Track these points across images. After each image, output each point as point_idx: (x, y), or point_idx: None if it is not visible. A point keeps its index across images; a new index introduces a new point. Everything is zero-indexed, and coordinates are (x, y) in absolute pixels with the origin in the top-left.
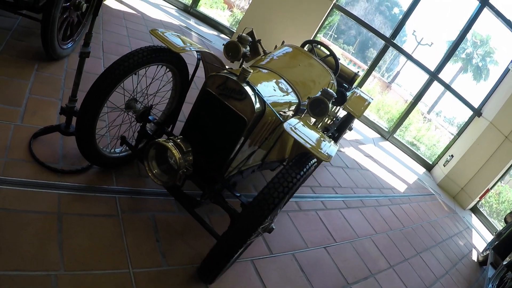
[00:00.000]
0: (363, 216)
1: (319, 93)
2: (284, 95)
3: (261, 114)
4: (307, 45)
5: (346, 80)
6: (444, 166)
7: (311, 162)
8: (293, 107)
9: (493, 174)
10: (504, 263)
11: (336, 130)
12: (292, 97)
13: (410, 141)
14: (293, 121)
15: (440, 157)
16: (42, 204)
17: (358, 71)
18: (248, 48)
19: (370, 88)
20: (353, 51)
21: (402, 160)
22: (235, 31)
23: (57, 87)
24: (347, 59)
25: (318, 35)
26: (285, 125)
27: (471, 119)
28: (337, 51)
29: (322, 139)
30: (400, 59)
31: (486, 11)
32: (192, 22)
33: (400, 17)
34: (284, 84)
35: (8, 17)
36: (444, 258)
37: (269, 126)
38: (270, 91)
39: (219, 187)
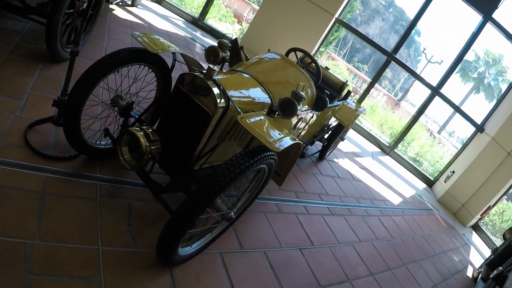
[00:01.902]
0: (347, 224)
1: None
2: (255, 96)
3: (226, 109)
4: (293, 53)
5: (333, 88)
6: (445, 182)
7: (265, 153)
8: (266, 108)
9: (495, 191)
10: (491, 276)
11: (326, 139)
12: (265, 99)
13: (412, 157)
14: (251, 114)
15: (441, 173)
16: (28, 183)
17: (347, 81)
18: (228, 53)
19: (373, 103)
20: (367, 70)
21: (402, 175)
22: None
23: (57, 85)
24: (352, 73)
25: (321, 49)
26: (239, 116)
27: (473, 135)
28: (343, 65)
29: (278, 132)
30: (412, 78)
31: (489, 26)
32: (198, 34)
33: (402, 32)
34: (258, 87)
35: (20, 21)
36: (434, 271)
37: (233, 120)
38: (241, 91)
39: (184, 176)
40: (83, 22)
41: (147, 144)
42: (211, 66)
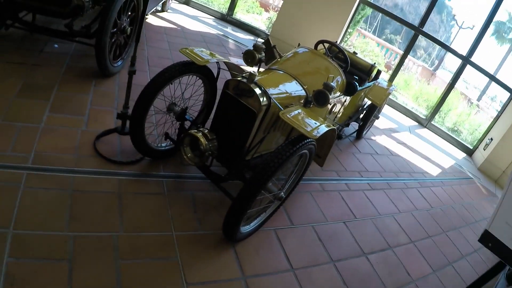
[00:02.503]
0: (387, 197)
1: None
2: (292, 91)
3: (268, 107)
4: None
5: (363, 71)
6: (484, 149)
7: (304, 141)
8: (302, 100)
9: None
10: None
11: (361, 119)
12: (300, 92)
13: (450, 127)
14: (290, 109)
15: (480, 140)
16: (106, 186)
17: (375, 63)
18: (263, 54)
19: (407, 77)
20: (400, 41)
21: (440, 146)
22: (269, 34)
23: (112, 99)
24: (384, 47)
25: (349, 30)
26: (281, 112)
27: (509, 100)
28: (373, 40)
29: (314, 122)
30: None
31: None
32: (229, 29)
33: (426, 5)
34: (293, 81)
35: (65, 44)
36: (475, 238)
37: (275, 115)
38: (279, 88)
39: (239, 166)
40: (128, 37)
41: (207, 142)
42: (251, 71)
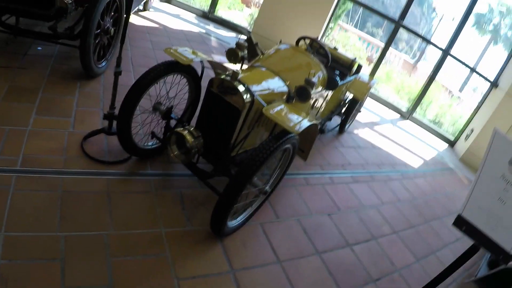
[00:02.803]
0: (370, 189)
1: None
2: (274, 87)
3: (252, 103)
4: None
5: (344, 66)
6: (466, 140)
7: (287, 136)
8: (284, 96)
9: None
10: None
11: (344, 113)
12: (282, 88)
13: (432, 119)
14: (273, 105)
15: (462, 131)
16: (95, 186)
17: (355, 58)
18: (245, 51)
19: (389, 70)
20: (382, 33)
21: (422, 138)
22: (251, 31)
23: (97, 99)
24: (366, 41)
25: (330, 24)
26: (264, 109)
27: (488, 91)
28: (355, 34)
29: (297, 117)
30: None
31: None
32: (211, 27)
33: None
34: (276, 78)
35: (48, 46)
36: None
37: (259, 112)
38: (262, 85)
39: (225, 163)
40: (112, 38)
41: (193, 140)
42: (234, 69)
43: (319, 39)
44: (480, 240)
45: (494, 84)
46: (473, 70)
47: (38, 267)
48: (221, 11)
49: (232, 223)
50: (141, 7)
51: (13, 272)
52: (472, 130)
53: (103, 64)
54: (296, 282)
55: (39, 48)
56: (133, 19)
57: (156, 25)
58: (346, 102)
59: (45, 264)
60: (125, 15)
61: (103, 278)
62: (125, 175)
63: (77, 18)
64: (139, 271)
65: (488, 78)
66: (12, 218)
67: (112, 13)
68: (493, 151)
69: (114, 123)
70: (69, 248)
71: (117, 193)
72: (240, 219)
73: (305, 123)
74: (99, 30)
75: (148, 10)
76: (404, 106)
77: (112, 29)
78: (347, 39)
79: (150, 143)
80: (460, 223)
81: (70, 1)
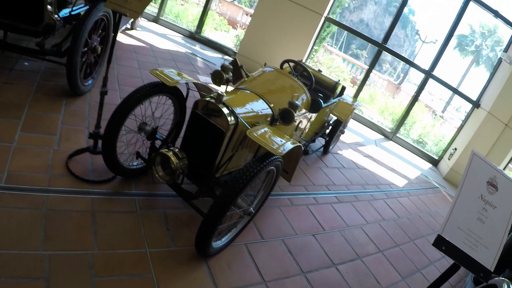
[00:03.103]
0: (355, 209)
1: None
2: (258, 110)
3: (236, 125)
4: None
5: (328, 88)
6: (449, 159)
7: (271, 158)
8: (268, 118)
9: (498, 163)
10: None
11: (328, 135)
12: (266, 111)
13: (415, 139)
14: (257, 128)
15: (445, 151)
16: (79, 205)
17: (339, 80)
18: (230, 74)
19: (372, 92)
20: (366, 55)
21: (406, 158)
22: (237, 52)
23: (83, 118)
24: (350, 63)
25: (315, 47)
26: (248, 131)
27: (471, 111)
28: (339, 56)
29: (280, 139)
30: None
31: (472, 4)
32: (197, 47)
33: (390, 20)
34: (260, 100)
35: (35, 61)
36: None
37: (243, 134)
38: (246, 107)
39: (209, 184)
40: (98, 56)
41: (177, 161)
42: (219, 92)
43: (303, 61)
44: (460, 259)
45: (476, 104)
46: (455, 90)
47: (22, 285)
48: (208, 32)
49: (217, 243)
50: (128, 26)
51: None
52: (455, 149)
53: (90, 82)
54: None
55: (26, 63)
56: (120, 37)
57: (143, 44)
58: (330, 123)
59: (29, 283)
60: (112, 34)
61: None
62: (110, 194)
63: (65, 35)
64: None
65: (470, 98)
66: None
67: (100, 31)
68: (471, 172)
69: (100, 142)
70: (54, 267)
71: (101, 213)
72: (225, 239)
73: (289, 146)
74: (86, 48)
75: (135, 29)
76: (388, 126)
77: (99, 47)
78: (332, 61)
79: (135, 163)
80: (440, 243)
81: (59, 18)
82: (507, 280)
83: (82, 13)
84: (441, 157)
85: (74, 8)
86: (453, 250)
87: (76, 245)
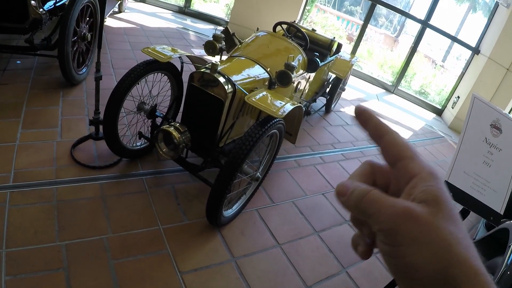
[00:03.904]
0: None
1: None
2: (255, 75)
3: (234, 93)
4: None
5: (323, 47)
6: (453, 108)
7: (272, 121)
8: (266, 83)
9: (503, 107)
10: None
11: (328, 93)
12: (263, 75)
13: (417, 90)
14: (255, 93)
15: (448, 100)
16: (89, 192)
17: (334, 38)
18: (223, 43)
19: (370, 47)
20: (361, 11)
21: (410, 110)
22: (229, 21)
23: (81, 106)
24: (345, 20)
25: (307, 7)
26: (246, 97)
27: (471, 58)
28: (332, 14)
29: (280, 102)
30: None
31: None
32: (188, 21)
33: None
34: (256, 66)
35: (27, 58)
36: None
37: (242, 100)
38: (243, 74)
39: (214, 154)
40: (89, 43)
41: (179, 135)
42: (214, 61)
43: (296, 22)
44: (469, 204)
45: (476, 51)
46: (454, 38)
47: (43, 279)
48: (197, 5)
49: (228, 212)
50: (116, 9)
51: (19, 287)
52: (458, 97)
53: (84, 70)
54: (297, 263)
55: (18, 61)
56: (109, 22)
57: (133, 26)
58: (330, 82)
59: (49, 275)
60: (100, 19)
61: (108, 281)
62: (118, 177)
63: (53, 27)
64: (142, 270)
65: (469, 45)
66: (12, 234)
67: (88, 18)
68: (473, 116)
69: (101, 127)
70: (71, 256)
71: (111, 196)
72: (235, 207)
73: (288, 107)
74: (76, 37)
75: (123, 11)
76: (389, 80)
77: (89, 34)
78: (326, 19)
79: (138, 143)
80: (447, 189)
81: (44, 12)
82: None
83: (67, 3)
84: (444, 106)
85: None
86: (461, 196)
87: (91, 231)
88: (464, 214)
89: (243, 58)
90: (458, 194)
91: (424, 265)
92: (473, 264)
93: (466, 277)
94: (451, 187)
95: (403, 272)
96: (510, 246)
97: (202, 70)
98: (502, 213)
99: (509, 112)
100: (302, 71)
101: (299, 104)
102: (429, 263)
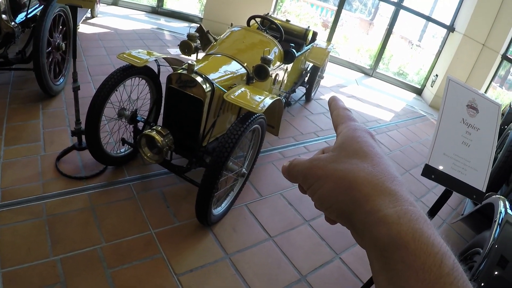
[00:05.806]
0: None
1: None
2: (232, 71)
3: (212, 92)
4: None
5: (299, 37)
6: (432, 86)
7: (253, 116)
8: (244, 78)
9: (481, 82)
10: None
11: (307, 82)
12: (240, 71)
13: (396, 72)
14: (234, 90)
15: (427, 79)
16: (78, 203)
17: (308, 27)
18: (198, 41)
19: (345, 33)
20: None
21: (389, 92)
22: (203, 17)
23: (62, 117)
24: (319, 7)
25: None
26: (225, 95)
27: (446, 36)
28: (306, 2)
29: (259, 96)
30: None
31: None
32: (162, 21)
33: None
34: (232, 62)
35: (2, 73)
36: None
37: (221, 98)
38: (220, 71)
39: (198, 154)
40: (64, 52)
41: (162, 139)
42: (190, 61)
43: (270, 14)
44: (451, 185)
45: (451, 29)
46: (428, 18)
47: None
48: (170, 4)
49: (218, 210)
50: (88, 15)
51: None
52: (436, 76)
53: (61, 80)
54: (291, 253)
55: None
56: (83, 28)
57: (107, 30)
58: (308, 71)
59: None
60: (73, 27)
61: None
62: (105, 186)
63: (26, 39)
64: (139, 276)
65: (444, 23)
66: (5, 254)
67: (61, 27)
68: (449, 98)
69: (84, 137)
70: (67, 269)
71: (101, 206)
72: (224, 205)
73: (268, 101)
74: (50, 48)
75: (96, 16)
76: (367, 63)
77: (63, 44)
78: (300, 8)
79: (122, 150)
80: (429, 172)
81: (16, 25)
82: (502, 197)
83: (38, 13)
84: (424, 86)
85: (29, 11)
86: (443, 177)
87: (84, 242)
88: (446, 194)
89: (219, 55)
90: (440, 176)
91: (330, 192)
92: (375, 183)
93: (366, 192)
94: (432, 170)
95: (321, 203)
96: (495, 221)
97: (179, 71)
98: (484, 190)
99: (488, 87)
100: (279, 63)
101: (278, 97)
102: (333, 189)
